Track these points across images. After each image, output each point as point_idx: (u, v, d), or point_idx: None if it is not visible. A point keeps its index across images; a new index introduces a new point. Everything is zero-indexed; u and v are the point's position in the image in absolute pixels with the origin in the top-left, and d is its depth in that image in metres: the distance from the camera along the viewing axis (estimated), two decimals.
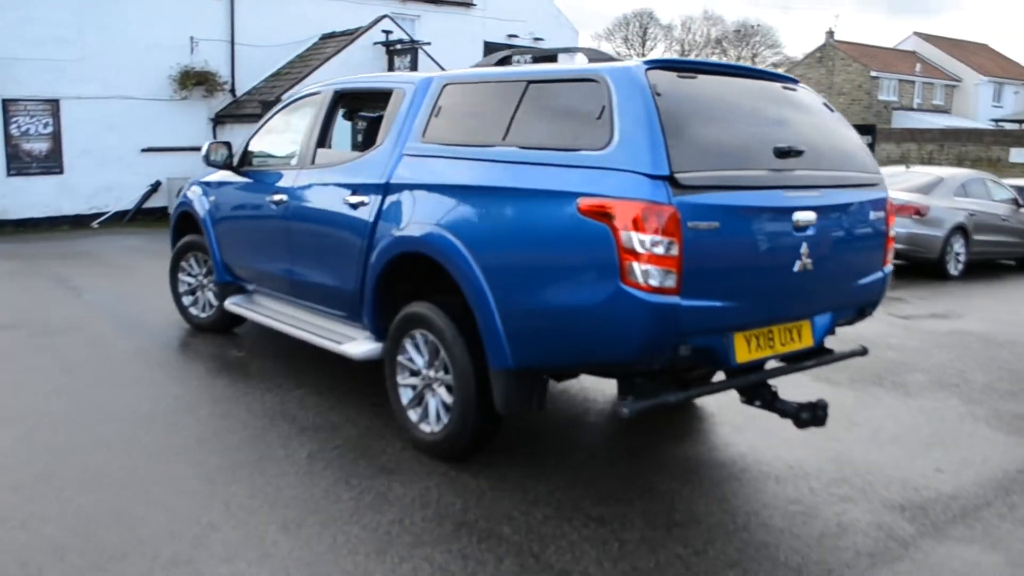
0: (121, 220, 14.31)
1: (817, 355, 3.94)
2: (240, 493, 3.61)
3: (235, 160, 5.66)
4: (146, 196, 14.70)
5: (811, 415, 3.60)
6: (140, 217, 14.55)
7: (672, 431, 4.56)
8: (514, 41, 21.65)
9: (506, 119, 3.70)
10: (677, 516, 3.53)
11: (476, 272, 3.58)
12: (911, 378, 5.84)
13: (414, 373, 4.15)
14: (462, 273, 3.65)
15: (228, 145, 5.66)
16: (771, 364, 3.81)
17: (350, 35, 16.50)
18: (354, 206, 4.41)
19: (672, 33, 57.92)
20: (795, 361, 3.85)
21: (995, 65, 51.93)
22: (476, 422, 3.80)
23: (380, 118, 5.31)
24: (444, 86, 4.14)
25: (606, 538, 3.31)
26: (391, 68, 16.34)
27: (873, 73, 45.88)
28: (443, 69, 17.06)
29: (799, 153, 3.50)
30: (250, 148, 5.70)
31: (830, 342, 4.03)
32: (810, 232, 3.48)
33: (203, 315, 6.39)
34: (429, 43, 16.70)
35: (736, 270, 3.28)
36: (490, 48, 20.99)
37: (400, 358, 4.18)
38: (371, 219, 4.27)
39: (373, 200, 4.28)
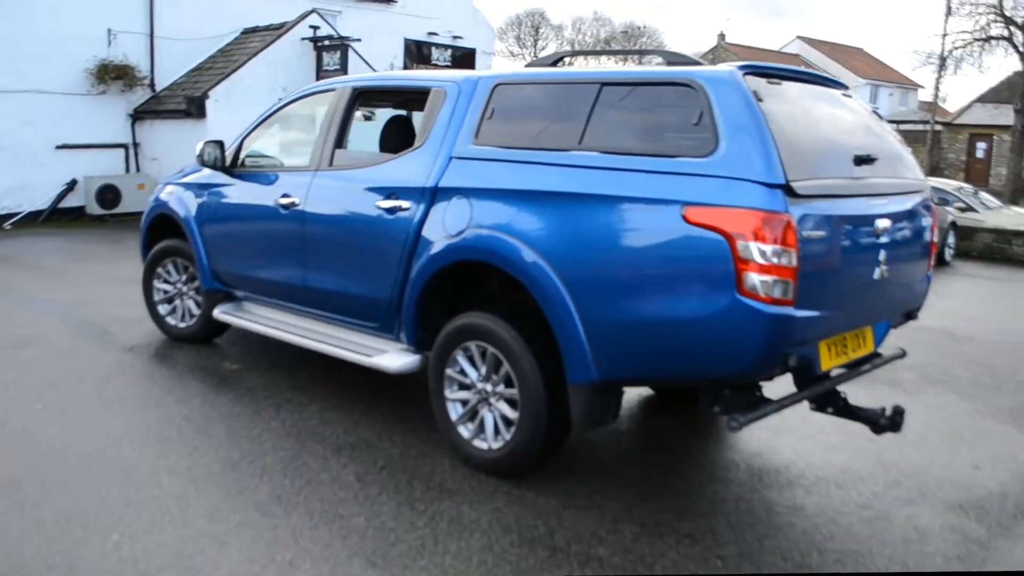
0: (35, 221, 13.30)
1: (870, 360, 3.98)
2: (303, 524, 3.35)
3: (227, 161, 5.30)
4: (62, 195, 13.71)
5: (890, 421, 3.62)
6: (55, 217, 13.56)
7: (709, 438, 4.53)
8: (433, 39, 21.44)
9: (580, 122, 3.56)
10: (760, 527, 3.49)
11: (555, 282, 3.43)
12: (902, 376, 6.02)
13: (464, 387, 3.96)
14: (537, 283, 3.50)
15: (221, 144, 5.28)
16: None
17: (275, 30, 15.90)
18: (389, 211, 4.17)
19: (563, 33, 58.65)
20: (854, 367, 3.88)
21: (871, 68, 54.87)
22: (546, 438, 3.66)
23: (399, 118, 5.12)
24: (495, 87, 3.96)
25: (706, 555, 3.23)
26: (320, 65, 15.84)
27: None
28: (370, 66, 16.70)
29: (873, 160, 3.51)
30: (243, 149, 5.34)
31: None
32: (886, 239, 3.50)
33: (182, 325, 5.96)
34: (359, 39, 16.27)
35: (832, 279, 3.26)
36: (409, 45, 20.75)
37: (449, 371, 3.98)
38: (413, 225, 4.05)
39: (415, 205, 4.06)
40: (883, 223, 3.46)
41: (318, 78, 15.37)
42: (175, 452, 4.02)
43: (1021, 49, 27.38)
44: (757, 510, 3.65)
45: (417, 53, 20.90)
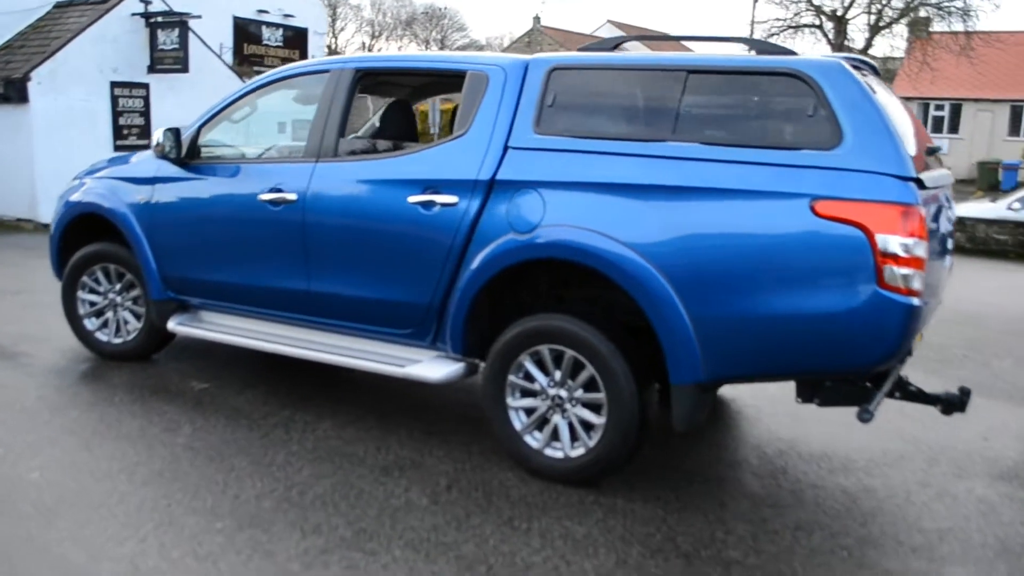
0: None
1: None
2: (416, 559, 2.99)
3: (183, 151, 4.64)
4: None
5: (960, 401, 3.77)
6: None
7: (737, 430, 4.56)
8: (264, 17, 20.32)
9: (669, 111, 3.41)
10: (856, 513, 3.53)
11: (659, 280, 3.28)
12: None
13: (529, 393, 3.72)
14: (637, 282, 3.32)
15: (176, 133, 4.62)
16: None
17: (98, 4, 14.27)
18: (426, 206, 3.82)
19: (361, 14, 57.75)
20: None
21: (677, 51, 58.27)
22: (636, 441, 3.51)
23: (399, 104, 4.71)
24: (551, 71, 3.71)
25: (830, 547, 3.22)
26: (154, 43, 14.41)
27: None
28: (208, 47, 15.48)
29: (937, 150, 3.65)
30: (201, 137, 4.70)
31: None
32: (948, 229, 3.66)
33: (117, 340, 5.18)
34: (199, 16, 14.98)
35: (933, 268, 3.34)
36: (239, 24, 19.53)
37: (512, 377, 3.72)
38: (464, 222, 3.73)
39: (466, 200, 3.73)
40: (949, 213, 3.61)
41: (153, 58, 14.06)
42: (204, 490, 3.47)
43: (829, 36, 30.06)
44: (837, 495, 3.70)
45: (247, 33, 19.75)
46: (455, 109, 4.03)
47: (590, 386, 3.56)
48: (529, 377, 3.70)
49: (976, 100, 30.54)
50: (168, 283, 4.82)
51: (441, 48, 59.68)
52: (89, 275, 5.17)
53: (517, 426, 3.74)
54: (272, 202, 4.27)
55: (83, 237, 5.23)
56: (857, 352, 3.10)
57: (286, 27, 20.60)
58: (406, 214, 3.88)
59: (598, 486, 3.64)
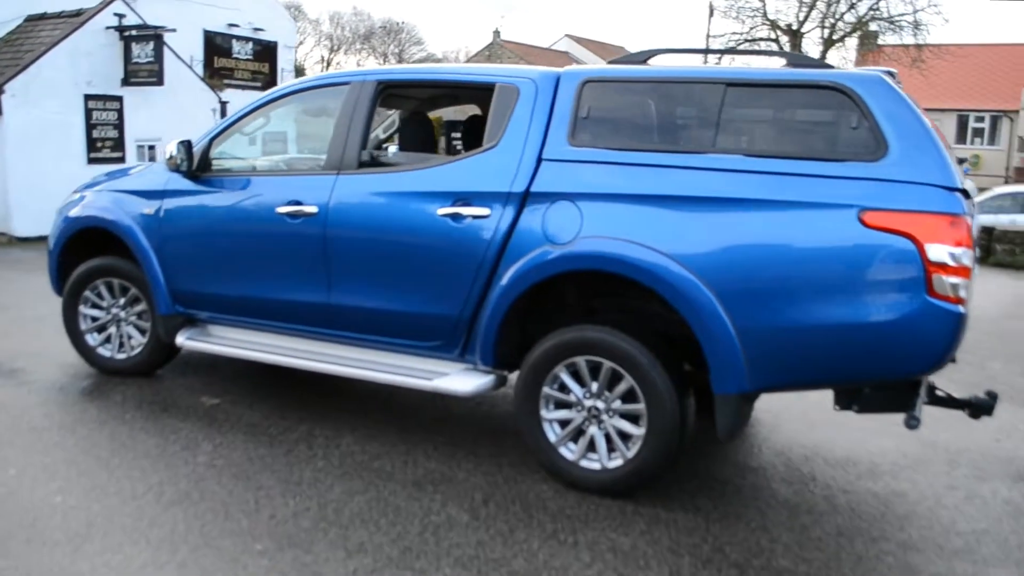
0: None
1: None
2: None
3: (194, 164, 4.55)
4: None
5: (987, 404, 3.81)
6: None
7: (758, 437, 4.57)
8: (234, 31, 20.11)
9: (708, 124, 3.42)
10: (890, 517, 3.56)
11: (703, 291, 3.27)
12: None
13: (563, 405, 3.69)
14: (679, 293, 3.31)
15: (188, 145, 4.52)
16: None
17: (71, 17, 14.02)
18: (456, 218, 3.78)
19: (320, 28, 57.50)
20: None
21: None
22: (676, 452, 3.50)
23: (417, 116, 4.67)
24: (584, 83, 3.70)
25: (876, 552, 3.24)
26: (128, 57, 14.16)
27: None
28: (183, 60, 15.28)
29: (964, 161, 3.70)
30: (213, 151, 4.61)
31: None
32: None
33: (121, 356, 5.04)
34: (174, 30, 14.78)
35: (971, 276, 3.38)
36: (210, 37, 19.30)
37: (547, 389, 3.68)
38: (496, 234, 3.70)
39: (498, 211, 3.70)
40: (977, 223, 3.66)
41: (127, 71, 13.85)
42: (236, 510, 3.38)
43: (782, 47, 30.58)
44: (870, 500, 3.72)
45: (217, 46, 19.55)
46: (450, 121, 4.01)
47: (627, 397, 3.54)
48: (564, 388, 3.68)
49: (926, 110, 31.29)
50: (177, 297, 4.71)
51: (399, 61, 59.98)
52: (91, 290, 5.04)
53: (552, 438, 3.71)
54: (291, 215, 4.20)
55: (84, 252, 5.10)
56: (905, 360, 3.12)
57: (256, 41, 20.43)
58: (435, 226, 3.84)
59: (634, 497, 3.62)
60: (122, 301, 5.01)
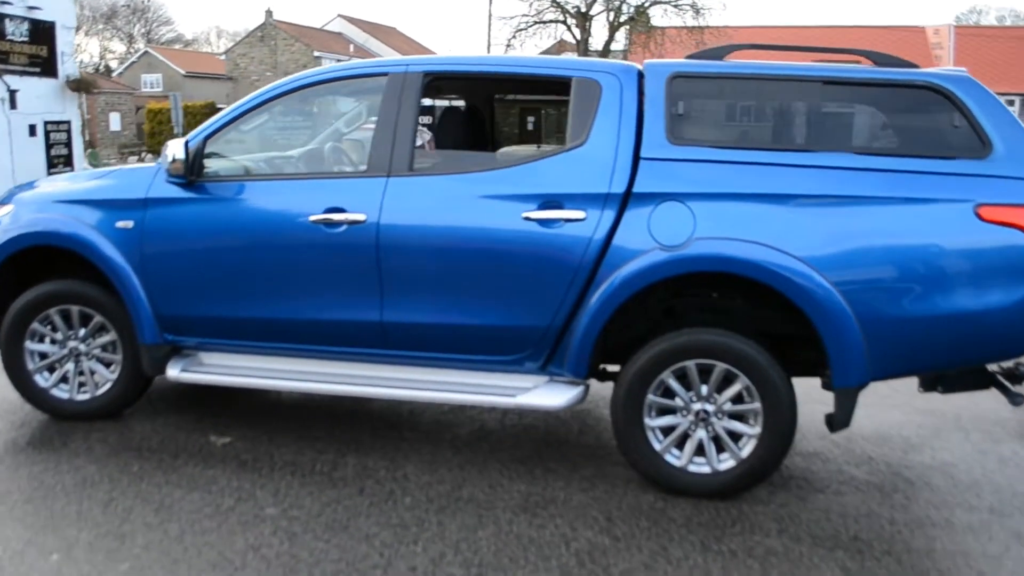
0: None
1: None
2: None
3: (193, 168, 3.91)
4: None
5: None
6: None
7: None
8: (6, 10, 17.57)
9: (810, 121, 3.46)
10: (962, 486, 3.83)
11: (829, 289, 3.32)
12: None
13: (667, 411, 3.61)
14: (806, 292, 3.33)
15: (186, 145, 3.86)
16: None
17: None
18: (546, 223, 3.56)
19: None
20: None
21: (410, 47, 58.62)
22: (789, 446, 3.55)
23: (456, 110, 4.29)
24: (673, 78, 3.59)
25: (972, 524, 3.47)
26: None
27: (316, 53, 47.98)
28: None
29: None
30: (206, 150, 3.98)
31: None
32: None
33: (82, 397, 4.25)
34: None
35: None
36: None
37: (652, 396, 3.58)
38: (595, 237, 3.51)
39: (595, 214, 3.52)
40: None
41: None
42: (371, 568, 2.98)
43: (573, 31, 31.72)
44: (933, 472, 3.97)
45: None
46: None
47: (736, 397, 3.53)
48: (668, 394, 3.59)
49: None
50: (165, 323, 4.04)
51: (148, 43, 55.65)
52: (41, 321, 4.19)
53: (657, 446, 3.62)
54: (328, 223, 3.74)
55: (12, 278, 4.24)
56: (1013, 343, 3.37)
57: (31, 20, 17.94)
58: (520, 232, 3.58)
59: (731, 498, 3.63)
60: (82, 332, 4.21)
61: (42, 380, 4.26)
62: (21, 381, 4.24)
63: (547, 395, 3.70)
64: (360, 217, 3.72)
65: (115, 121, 36.83)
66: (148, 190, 4.00)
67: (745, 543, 3.24)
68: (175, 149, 3.79)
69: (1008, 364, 4.13)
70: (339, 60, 49.85)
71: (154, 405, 4.56)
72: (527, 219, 3.58)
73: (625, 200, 3.52)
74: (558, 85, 3.77)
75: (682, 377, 3.57)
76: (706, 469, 3.60)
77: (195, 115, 31.66)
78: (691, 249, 3.43)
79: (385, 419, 4.47)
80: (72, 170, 16.08)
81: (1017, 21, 44.14)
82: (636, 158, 3.55)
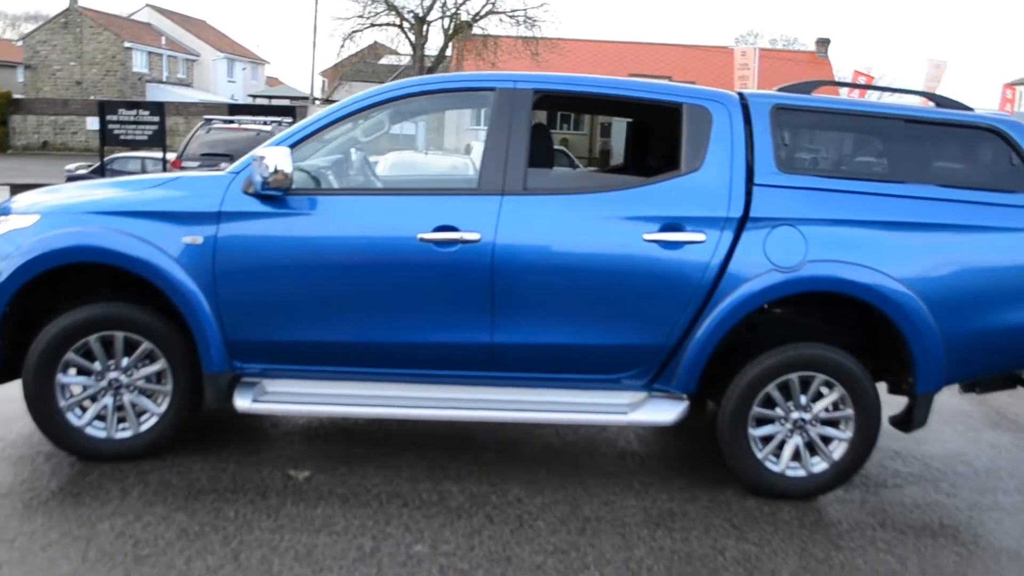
0: None
1: None
2: None
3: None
4: None
5: None
6: None
7: None
8: None
9: (900, 155, 3.83)
10: (1003, 473, 4.38)
11: (921, 307, 3.69)
12: None
13: (766, 420, 3.85)
14: (903, 310, 3.68)
15: (290, 156, 3.54)
16: None
17: None
18: (666, 244, 3.66)
19: None
20: None
21: (223, 41, 55.37)
22: (872, 449, 3.91)
23: (541, 128, 4.20)
24: (776, 110, 3.81)
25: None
26: None
27: (126, 44, 44.15)
28: None
29: None
30: (298, 165, 3.67)
31: None
32: None
33: (123, 434, 3.77)
34: None
35: None
36: None
37: (757, 408, 3.80)
38: (714, 259, 3.66)
39: (715, 236, 3.67)
40: None
41: None
42: None
43: (410, 37, 31.33)
44: (970, 463, 4.52)
45: None
46: None
47: (838, 406, 3.83)
48: (769, 404, 3.82)
49: None
50: (234, 349, 3.69)
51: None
52: (78, 351, 3.65)
53: (759, 454, 3.84)
54: (440, 242, 3.61)
55: (36, 300, 3.69)
56: None
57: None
58: (641, 253, 3.66)
59: (810, 499, 3.94)
60: (125, 362, 3.72)
61: (74, 418, 3.72)
62: (49, 419, 3.69)
63: (658, 411, 3.80)
64: (474, 236, 3.62)
65: None
66: (222, 202, 3.62)
67: (863, 538, 3.54)
68: (277, 159, 3.46)
69: None
70: (151, 53, 45.95)
71: (180, 440, 4.11)
72: (648, 240, 3.66)
73: (742, 224, 3.71)
74: (665, 110, 3.88)
75: (782, 388, 3.82)
76: (801, 473, 3.87)
77: None
78: (806, 271, 3.68)
79: (455, 439, 4.33)
80: None
81: (787, 44, 49.45)
82: (749, 184, 3.75)
